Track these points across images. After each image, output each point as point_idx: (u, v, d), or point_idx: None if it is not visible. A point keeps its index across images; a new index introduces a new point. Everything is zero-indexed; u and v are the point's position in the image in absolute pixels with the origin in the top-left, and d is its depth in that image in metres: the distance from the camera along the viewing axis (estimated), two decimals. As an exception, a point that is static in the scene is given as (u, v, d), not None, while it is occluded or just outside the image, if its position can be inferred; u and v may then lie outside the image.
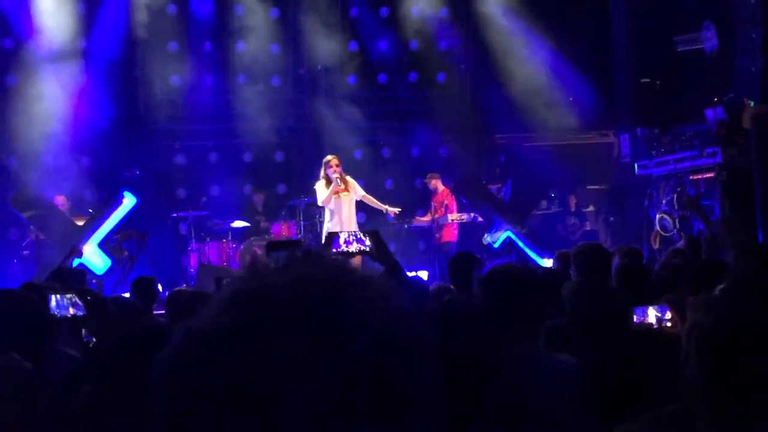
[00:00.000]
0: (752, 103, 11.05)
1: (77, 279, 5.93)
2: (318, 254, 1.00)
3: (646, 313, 4.07)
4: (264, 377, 0.86)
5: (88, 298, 3.40)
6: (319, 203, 11.56)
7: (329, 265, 0.98)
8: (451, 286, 6.61)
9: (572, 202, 14.77)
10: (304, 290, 0.92)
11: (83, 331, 4.29)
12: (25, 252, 12.08)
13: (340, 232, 3.92)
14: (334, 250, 3.76)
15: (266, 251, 3.41)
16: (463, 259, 6.25)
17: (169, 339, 0.95)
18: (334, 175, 11.31)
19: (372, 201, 12.02)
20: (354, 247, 3.80)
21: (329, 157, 11.61)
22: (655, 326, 3.86)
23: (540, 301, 3.46)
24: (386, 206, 12.17)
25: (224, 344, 0.89)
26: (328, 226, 11.31)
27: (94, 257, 10.92)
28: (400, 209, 12.30)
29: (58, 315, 3.57)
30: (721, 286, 3.14)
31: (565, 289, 4.49)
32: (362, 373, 0.88)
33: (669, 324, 3.82)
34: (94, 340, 3.91)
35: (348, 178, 11.63)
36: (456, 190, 13.11)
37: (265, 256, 3.39)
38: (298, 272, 0.95)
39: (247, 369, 0.86)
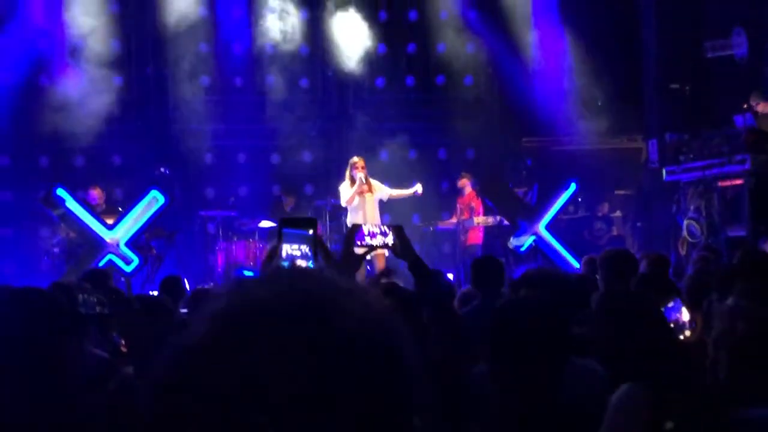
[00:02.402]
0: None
1: (104, 278, 5.99)
2: (302, 267, 1.02)
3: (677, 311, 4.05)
4: (248, 393, 0.88)
5: (114, 297, 3.46)
6: (343, 204, 11.64)
7: (313, 277, 0.99)
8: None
9: (604, 207, 14.66)
10: (287, 304, 0.93)
11: (114, 334, 4.34)
12: (55, 249, 12.22)
13: (364, 224, 3.90)
14: (358, 243, 3.75)
15: (279, 226, 3.39)
16: (485, 263, 6.25)
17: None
18: (360, 174, 11.38)
19: (400, 193, 12.09)
20: (378, 240, 3.79)
21: (355, 158, 11.70)
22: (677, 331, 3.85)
23: (571, 306, 3.45)
24: (411, 189, 12.16)
25: (212, 360, 0.90)
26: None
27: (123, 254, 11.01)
28: (420, 186, 12.21)
29: (84, 312, 3.63)
30: (735, 296, 3.12)
31: (596, 300, 4.47)
32: (347, 387, 0.90)
33: (688, 333, 3.80)
34: (123, 342, 3.96)
35: (372, 180, 11.68)
36: (482, 192, 13.09)
37: (278, 230, 3.38)
38: (282, 285, 0.97)
39: (231, 384, 0.88)
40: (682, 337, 3.93)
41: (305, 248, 3.36)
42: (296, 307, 0.93)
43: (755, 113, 11.32)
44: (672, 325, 3.90)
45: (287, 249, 3.35)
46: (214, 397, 0.89)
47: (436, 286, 4.07)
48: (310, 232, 3.45)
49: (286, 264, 3.35)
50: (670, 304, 3.99)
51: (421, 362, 0.99)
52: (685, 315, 3.95)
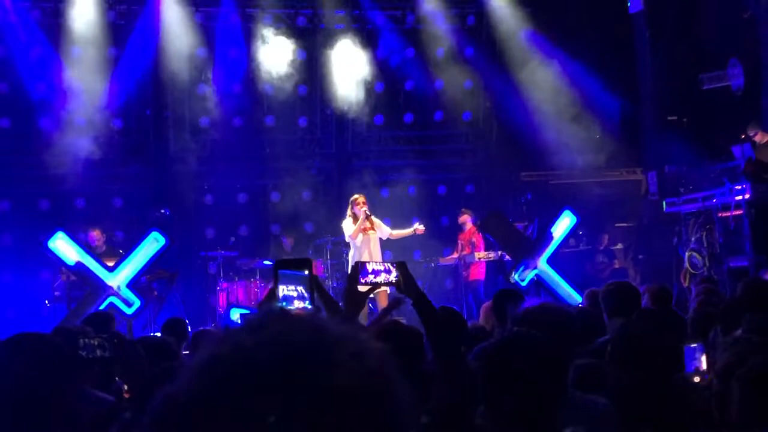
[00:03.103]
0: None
1: (107, 321, 5.96)
2: (290, 313, 0.98)
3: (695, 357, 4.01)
4: None
5: (115, 341, 3.44)
6: (347, 239, 11.62)
7: (303, 325, 0.96)
8: (485, 326, 6.61)
9: (605, 240, 14.67)
10: (274, 352, 0.91)
11: (117, 379, 4.31)
12: (56, 293, 12.19)
13: (368, 262, 3.88)
14: (362, 280, 3.73)
15: (274, 268, 3.38)
16: (506, 296, 6.22)
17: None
18: (362, 209, 11.40)
19: (400, 233, 12.08)
20: (381, 278, 3.77)
21: (356, 195, 11.73)
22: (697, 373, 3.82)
23: (572, 342, 3.43)
24: (412, 228, 12.13)
25: (199, 411, 0.89)
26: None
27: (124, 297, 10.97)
28: (423, 226, 12.18)
29: (85, 356, 3.61)
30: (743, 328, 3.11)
31: (614, 330, 4.44)
32: None
33: (697, 379, 3.77)
34: (126, 387, 3.94)
35: (373, 218, 11.69)
36: (482, 227, 13.08)
37: (273, 271, 3.37)
38: (269, 333, 0.94)
39: None
40: (696, 380, 3.90)
41: (301, 289, 3.35)
42: (281, 358, 0.91)
43: (753, 143, 11.37)
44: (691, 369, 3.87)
45: (283, 290, 3.34)
46: None
47: (441, 323, 4.04)
48: (306, 272, 3.45)
49: (283, 305, 3.34)
50: (693, 345, 3.94)
51: (414, 411, 0.96)
52: (703, 363, 3.91)
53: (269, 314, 0.99)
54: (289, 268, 3.46)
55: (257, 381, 0.89)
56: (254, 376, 0.89)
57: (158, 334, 7.85)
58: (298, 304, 3.35)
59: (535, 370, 2.81)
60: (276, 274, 3.39)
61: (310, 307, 3.35)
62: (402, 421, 0.94)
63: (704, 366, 3.89)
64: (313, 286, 3.45)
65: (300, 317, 0.98)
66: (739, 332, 3.53)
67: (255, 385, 0.89)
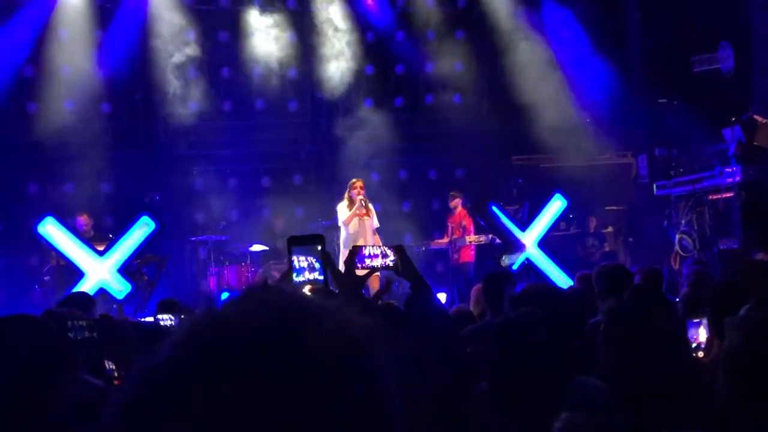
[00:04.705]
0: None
1: (87, 302, 5.84)
2: (275, 286, 0.98)
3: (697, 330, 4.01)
4: (217, 411, 0.85)
5: (105, 322, 3.42)
6: (340, 223, 11.52)
7: (285, 297, 0.96)
8: (474, 310, 6.60)
9: (592, 223, 14.68)
10: (256, 321, 0.91)
11: (107, 363, 4.29)
12: (45, 278, 12.14)
13: (364, 246, 3.88)
14: (359, 265, 3.73)
15: (288, 245, 3.41)
16: (497, 279, 6.21)
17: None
18: (359, 197, 11.30)
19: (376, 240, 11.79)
20: (378, 261, 3.77)
21: (354, 179, 11.61)
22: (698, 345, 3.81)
23: (567, 322, 3.42)
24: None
25: (177, 380, 0.88)
26: (345, 251, 11.26)
27: (114, 282, 10.93)
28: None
29: (73, 337, 3.59)
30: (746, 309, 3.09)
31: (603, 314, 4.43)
32: (315, 409, 0.87)
33: (701, 354, 3.76)
34: (116, 371, 3.91)
35: (370, 206, 11.55)
36: (473, 211, 13.06)
37: (286, 251, 3.40)
38: (252, 304, 0.94)
39: (201, 403, 0.86)
40: (700, 355, 3.90)
41: (312, 260, 3.39)
42: (264, 326, 0.91)
43: (756, 122, 11.29)
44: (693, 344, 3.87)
45: (296, 262, 3.38)
46: (180, 417, 0.86)
47: (437, 306, 4.03)
48: (319, 247, 3.48)
49: (297, 276, 3.38)
50: (696, 320, 3.95)
51: (395, 385, 0.95)
52: (702, 335, 3.91)
53: (250, 289, 0.99)
54: (302, 244, 3.50)
55: (236, 350, 0.88)
56: (233, 344, 0.89)
57: (150, 318, 7.82)
58: (309, 275, 3.39)
59: (543, 348, 2.82)
60: (290, 250, 3.43)
61: (321, 278, 3.39)
62: (383, 398, 0.93)
63: (701, 339, 3.89)
64: (326, 263, 3.47)
65: (284, 290, 0.98)
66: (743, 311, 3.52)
67: (234, 353, 0.88)
